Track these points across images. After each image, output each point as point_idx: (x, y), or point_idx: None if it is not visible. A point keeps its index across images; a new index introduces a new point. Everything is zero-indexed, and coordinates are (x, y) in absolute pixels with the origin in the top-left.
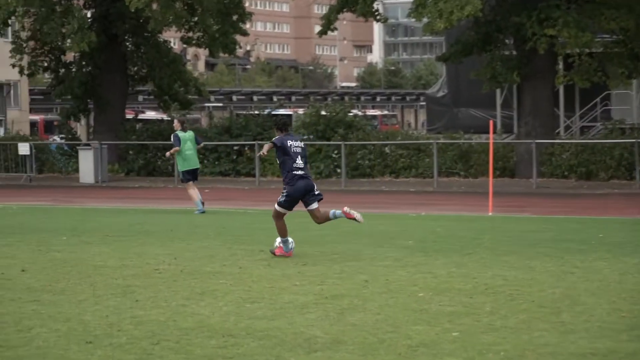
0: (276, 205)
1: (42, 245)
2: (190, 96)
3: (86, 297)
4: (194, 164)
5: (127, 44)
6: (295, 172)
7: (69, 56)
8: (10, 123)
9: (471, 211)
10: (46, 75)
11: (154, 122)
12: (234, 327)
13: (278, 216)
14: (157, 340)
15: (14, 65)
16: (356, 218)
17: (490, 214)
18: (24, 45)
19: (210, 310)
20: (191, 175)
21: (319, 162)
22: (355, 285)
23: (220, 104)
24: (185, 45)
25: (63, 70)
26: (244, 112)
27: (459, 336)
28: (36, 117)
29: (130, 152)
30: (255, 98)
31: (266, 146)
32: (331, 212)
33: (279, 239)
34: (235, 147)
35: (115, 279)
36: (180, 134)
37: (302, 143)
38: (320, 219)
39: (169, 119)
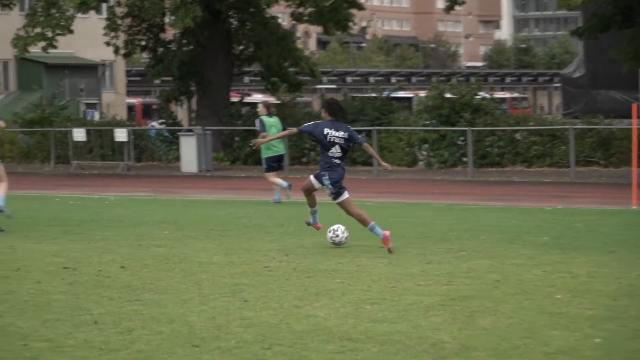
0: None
1: (142, 240)
2: (300, 77)
3: (191, 297)
4: (279, 150)
5: (232, 20)
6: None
7: (168, 34)
8: (106, 107)
9: (613, 204)
10: (143, 55)
11: (251, 105)
12: (352, 331)
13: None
14: (269, 345)
15: (108, 44)
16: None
17: (634, 207)
18: (119, 22)
19: (326, 312)
20: (276, 164)
21: (442, 150)
22: (486, 285)
23: (333, 86)
24: (295, 22)
25: (161, 49)
26: (359, 95)
27: (601, 343)
28: (133, 101)
29: (236, 138)
30: (371, 79)
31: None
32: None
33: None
34: None
35: (222, 277)
36: (265, 118)
37: (347, 134)
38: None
39: (279, 102)
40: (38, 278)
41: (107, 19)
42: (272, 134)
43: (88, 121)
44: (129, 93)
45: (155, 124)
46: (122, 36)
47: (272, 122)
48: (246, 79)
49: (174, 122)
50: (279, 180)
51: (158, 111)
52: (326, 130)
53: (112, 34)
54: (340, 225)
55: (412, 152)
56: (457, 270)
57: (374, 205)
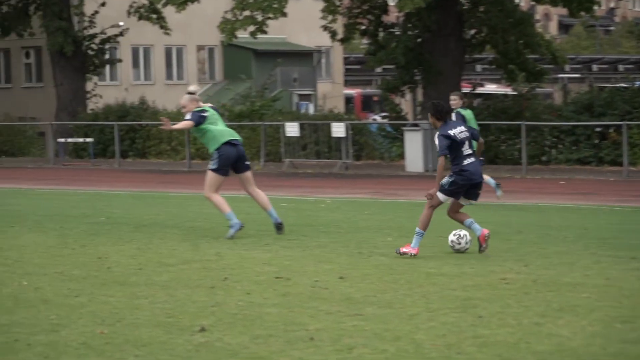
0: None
1: (363, 247)
2: (541, 65)
3: (418, 312)
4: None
5: (463, 1)
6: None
7: (391, 16)
8: (321, 98)
9: None
10: (363, 40)
11: (496, 97)
12: (601, 352)
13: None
14: None
15: (325, 28)
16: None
17: None
18: (338, 3)
19: (570, 331)
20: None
21: None
22: None
23: (577, 75)
24: (533, 3)
25: (384, 33)
26: (607, 85)
27: None
28: (352, 91)
29: None
30: (620, 67)
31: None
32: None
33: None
34: (598, 129)
35: (452, 289)
36: (462, 111)
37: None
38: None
39: (515, 93)
40: (248, 289)
41: (325, 0)
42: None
43: (302, 114)
44: (347, 83)
45: (376, 118)
46: (340, 19)
47: (469, 116)
48: (478, 67)
49: (398, 116)
50: (486, 178)
51: (379, 103)
52: (451, 132)
53: (330, 17)
54: (466, 233)
55: None
56: None
57: (627, 210)
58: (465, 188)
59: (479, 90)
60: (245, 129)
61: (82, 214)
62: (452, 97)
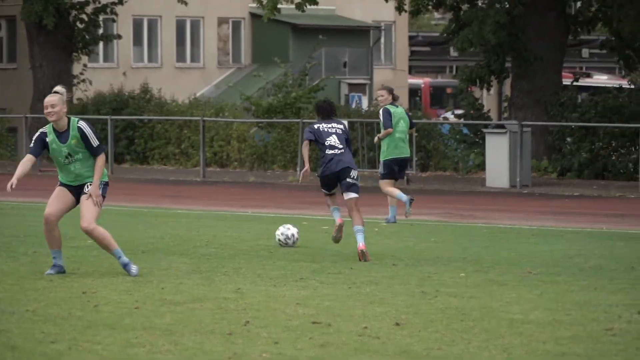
0: None
1: (427, 285)
2: None
3: None
4: (404, 151)
5: None
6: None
7: None
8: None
9: None
10: (436, 14)
11: (607, 91)
12: None
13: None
14: None
15: None
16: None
17: None
18: None
19: None
20: (398, 167)
21: None
22: None
23: None
24: None
25: (467, 6)
26: None
27: None
28: (418, 81)
29: (568, 139)
30: None
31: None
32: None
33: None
34: None
35: (542, 342)
36: (392, 108)
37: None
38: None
39: (633, 87)
40: (275, 337)
41: None
42: (400, 128)
43: (352, 110)
44: (413, 70)
45: (449, 116)
46: None
47: (400, 114)
48: (585, 52)
49: (478, 114)
50: (397, 192)
51: (454, 97)
52: (317, 125)
53: None
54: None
55: None
56: None
57: None
58: (330, 179)
59: (585, 81)
60: (277, 127)
61: (63, 236)
62: (380, 92)
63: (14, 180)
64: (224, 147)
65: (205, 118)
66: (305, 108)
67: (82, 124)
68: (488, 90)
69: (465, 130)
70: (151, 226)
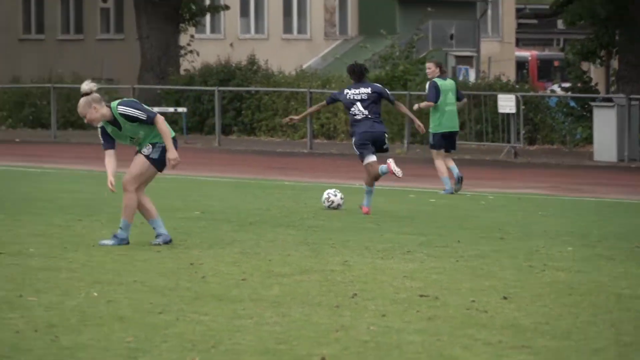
0: None
1: (534, 259)
2: None
3: (604, 346)
4: (453, 124)
5: None
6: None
7: None
8: (486, 62)
9: None
10: None
11: None
12: None
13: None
14: None
15: None
16: (395, 173)
17: None
18: None
19: None
20: (446, 141)
21: None
22: None
23: None
24: None
25: None
26: None
27: None
28: (526, 54)
29: None
30: None
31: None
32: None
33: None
34: None
35: None
36: (439, 81)
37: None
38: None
39: None
40: (383, 309)
41: None
42: (449, 100)
43: (460, 82)
44: (520, 43)
45: (556, 89)
46: None
47: (448, 86)
48: None
49: (586, 87)
50: (444, 168)
51: (561, 70)
52: (346, 91)
53: None
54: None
55: None
56: None
57: None
58: (368, 143)
59: None
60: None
61: (170, 207)
62: (427, 64)
63: (110, 179)
64: (331, 119)
65: (312, 90)
66: (412, 79)
67: (121, 108)
68: (601, 64)
69: (572, 104)
70: (258, 198)
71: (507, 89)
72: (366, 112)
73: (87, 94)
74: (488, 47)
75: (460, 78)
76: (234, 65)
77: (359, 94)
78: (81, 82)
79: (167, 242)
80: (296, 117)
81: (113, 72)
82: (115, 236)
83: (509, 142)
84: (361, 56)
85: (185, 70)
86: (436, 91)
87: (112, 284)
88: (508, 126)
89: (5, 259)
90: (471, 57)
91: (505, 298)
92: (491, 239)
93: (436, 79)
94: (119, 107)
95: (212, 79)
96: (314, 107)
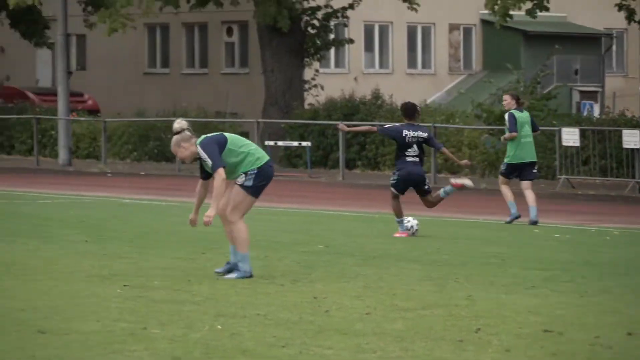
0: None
1: None
2: None
3: None
4: (527, 154)
5: None
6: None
7: None
8: (610, 97)
9: None
10: None
11: None
12: None
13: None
14: None
15: (620, 7)
16: (465, 184)
17: None
18: None
19: None
20: (519, 171)
21: None
22: None
23: None
24: None
25: None
26: None
27: None
28: None
29: None
30: None
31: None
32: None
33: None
34: None
35: None
36: (517, 113)
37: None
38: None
39: None
40: (507, 344)
41: None
42: (525, 132)
43: (584, 118)
44: None
45: None
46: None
47: (524, 118)
48: None
49: None
50: (510, 198)
51: None
52: (405, 132)
53: None
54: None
55: None
56: None
57: None
58: (407, 184)
59: None
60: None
61: (293, 240)
62: (504, 97)
63: (191, 216)
64: (454, 154)
65: (436, 124)
66: (536, 115)
67: (199, 149)
68: None
69: None
70: (382, 232)
71: (631, 124)
72: (418, 154)
73: (178, 132)
74: (613, 82)
75: (585, 113)
76: (358, 99)
77: (417, 137)
78: (206, 116)
79: (245, 277)
80: (347, 128)
81: (237, 106)
82: (237, 270)
83: (633, 177)
84: (485, 91)
85: (309, 104)
86: (515, 122)
87: (236, 317)
88: (632, 161)
89: (130, 291)
90: (596, 92)
91: (630, 334)
92: (616, 274)
93: (513, 111)
94: (199, 145)
95: (336, 113)
96: (365, 128)
